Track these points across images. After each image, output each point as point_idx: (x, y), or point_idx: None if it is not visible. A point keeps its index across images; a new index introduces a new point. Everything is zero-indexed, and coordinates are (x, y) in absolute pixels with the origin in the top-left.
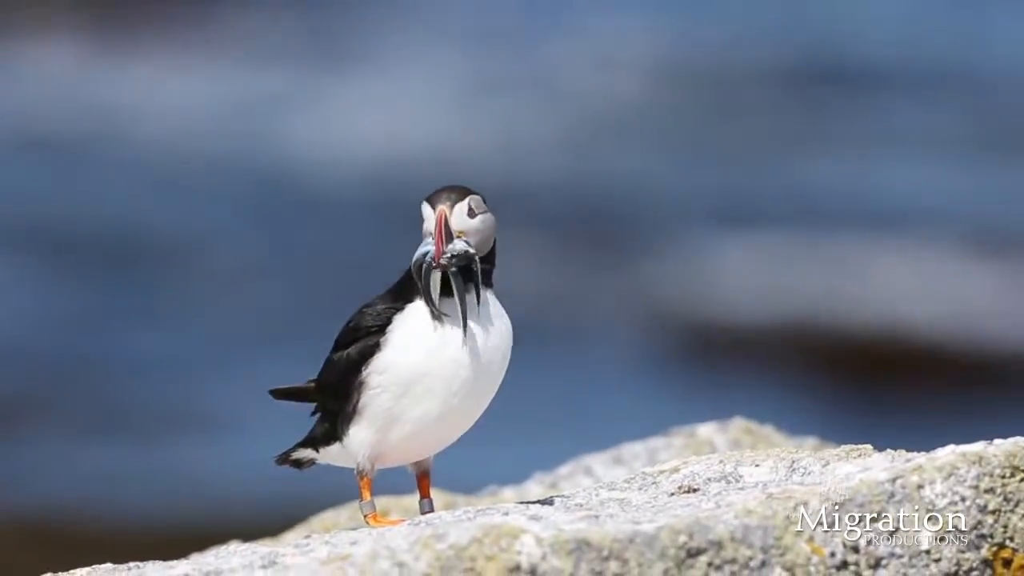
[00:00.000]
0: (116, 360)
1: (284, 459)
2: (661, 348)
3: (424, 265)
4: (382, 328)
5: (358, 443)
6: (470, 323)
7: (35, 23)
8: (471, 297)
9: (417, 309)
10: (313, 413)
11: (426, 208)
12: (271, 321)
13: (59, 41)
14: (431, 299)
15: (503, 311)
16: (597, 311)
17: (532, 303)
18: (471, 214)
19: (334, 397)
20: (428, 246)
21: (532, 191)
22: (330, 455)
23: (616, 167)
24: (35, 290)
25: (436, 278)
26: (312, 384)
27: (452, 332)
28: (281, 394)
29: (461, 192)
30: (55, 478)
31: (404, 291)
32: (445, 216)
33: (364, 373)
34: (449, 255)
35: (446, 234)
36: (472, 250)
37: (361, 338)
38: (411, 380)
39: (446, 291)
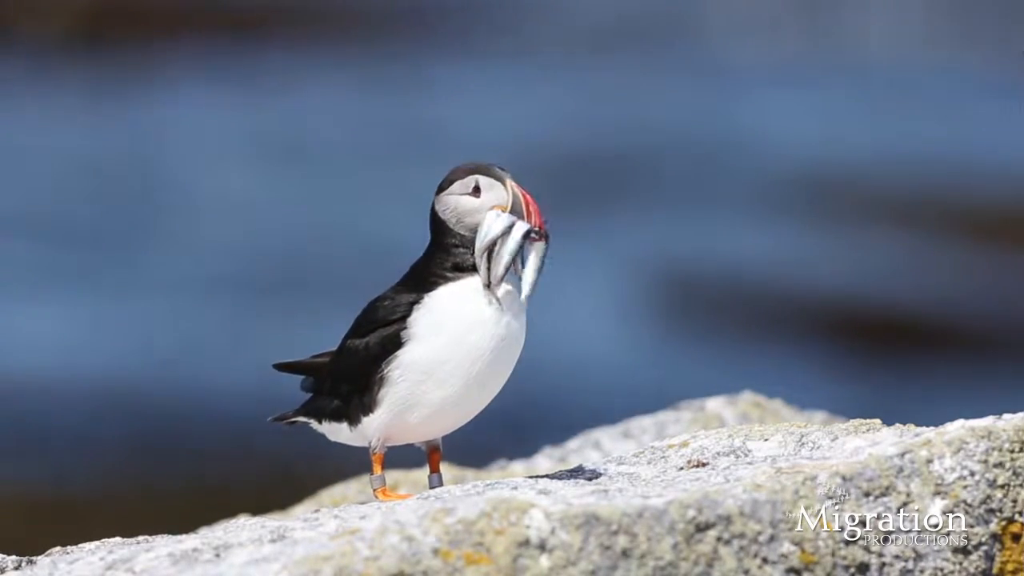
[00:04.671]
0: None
1: (280, 418)
2: (669, 321)
3: (519, 237)
4: (402, 319)
5: (373, 428)
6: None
7: None
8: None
9: (438, 299)
10: (305, 388)
11: (487, 181)
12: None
13: None
14: (508, 273)
15: (516, 294)
16: (604, 282)
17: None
18: None
19: (349, 385)
20: (506, 218)
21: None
22: (336, 433)
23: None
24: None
25: (518, 250)
26: (316, 360)
27: (476, 318)
28: (284, 368)
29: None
30: (64, 449)
31: (421, 282)
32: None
33: (385, 367)
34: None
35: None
36: (548, 220)
37: (380, 328)
38: (432, 369)
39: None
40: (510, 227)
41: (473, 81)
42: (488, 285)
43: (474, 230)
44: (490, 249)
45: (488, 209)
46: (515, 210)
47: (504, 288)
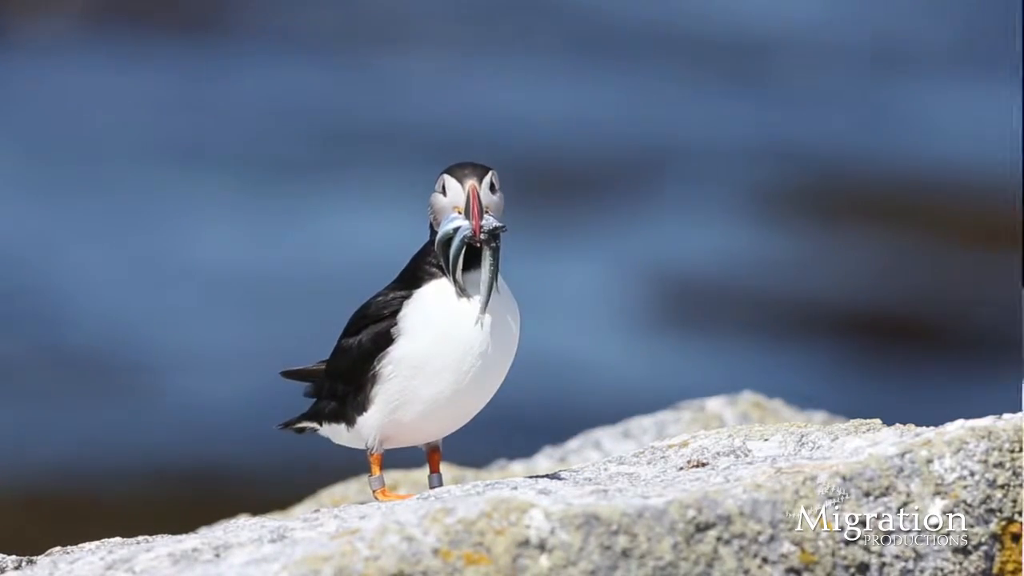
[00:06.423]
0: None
1: (287, 425)
2: (669, 321)
3: (458, 240)
4: (392, 315)
5: (368, 427)
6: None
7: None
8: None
9: (426, 294)
10: (308, 394)
11: (450, 181)
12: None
13: None
14: (457, 275)
15: (511, 292)
16: (604, 283)
17: (540, 275)
18: (492, 190)
19: (345, 383)
20: (457, 221)
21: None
22: (337, 434)
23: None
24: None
25: (459, 253)
26: (322, 366)
27: (464, 313)
28: (291, 375)
29: (483, 167)
30: (63, 448)
31: (412, 278)
32: (477, 191)
33: (377, 364)
34: (484, 231)
35: (479, 209)
36: (503, 226)
37: (371, 325)
38: (422, 363)
39: (469, 267)
40: (458, 228)
41: (476, 81)
42: (457, 286)
43: None
44: (447, 249)
45: (451, 209)
46: (468, 211)
47: (504, 288)
